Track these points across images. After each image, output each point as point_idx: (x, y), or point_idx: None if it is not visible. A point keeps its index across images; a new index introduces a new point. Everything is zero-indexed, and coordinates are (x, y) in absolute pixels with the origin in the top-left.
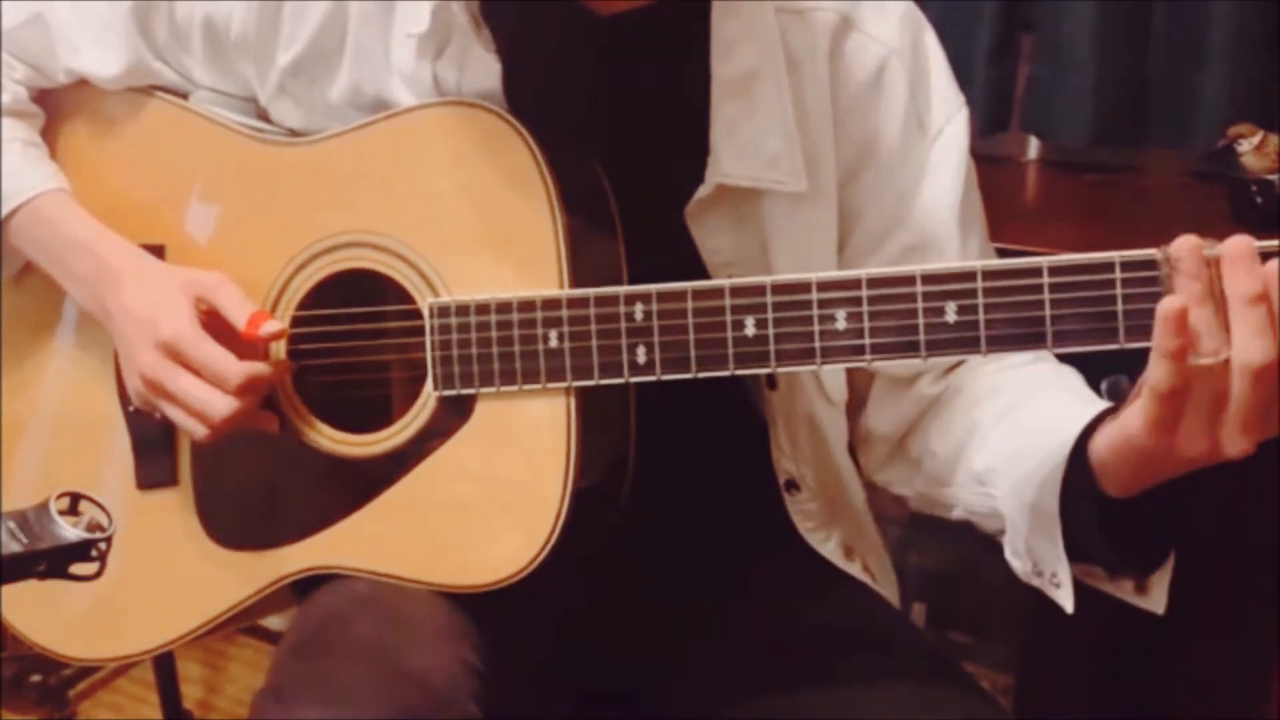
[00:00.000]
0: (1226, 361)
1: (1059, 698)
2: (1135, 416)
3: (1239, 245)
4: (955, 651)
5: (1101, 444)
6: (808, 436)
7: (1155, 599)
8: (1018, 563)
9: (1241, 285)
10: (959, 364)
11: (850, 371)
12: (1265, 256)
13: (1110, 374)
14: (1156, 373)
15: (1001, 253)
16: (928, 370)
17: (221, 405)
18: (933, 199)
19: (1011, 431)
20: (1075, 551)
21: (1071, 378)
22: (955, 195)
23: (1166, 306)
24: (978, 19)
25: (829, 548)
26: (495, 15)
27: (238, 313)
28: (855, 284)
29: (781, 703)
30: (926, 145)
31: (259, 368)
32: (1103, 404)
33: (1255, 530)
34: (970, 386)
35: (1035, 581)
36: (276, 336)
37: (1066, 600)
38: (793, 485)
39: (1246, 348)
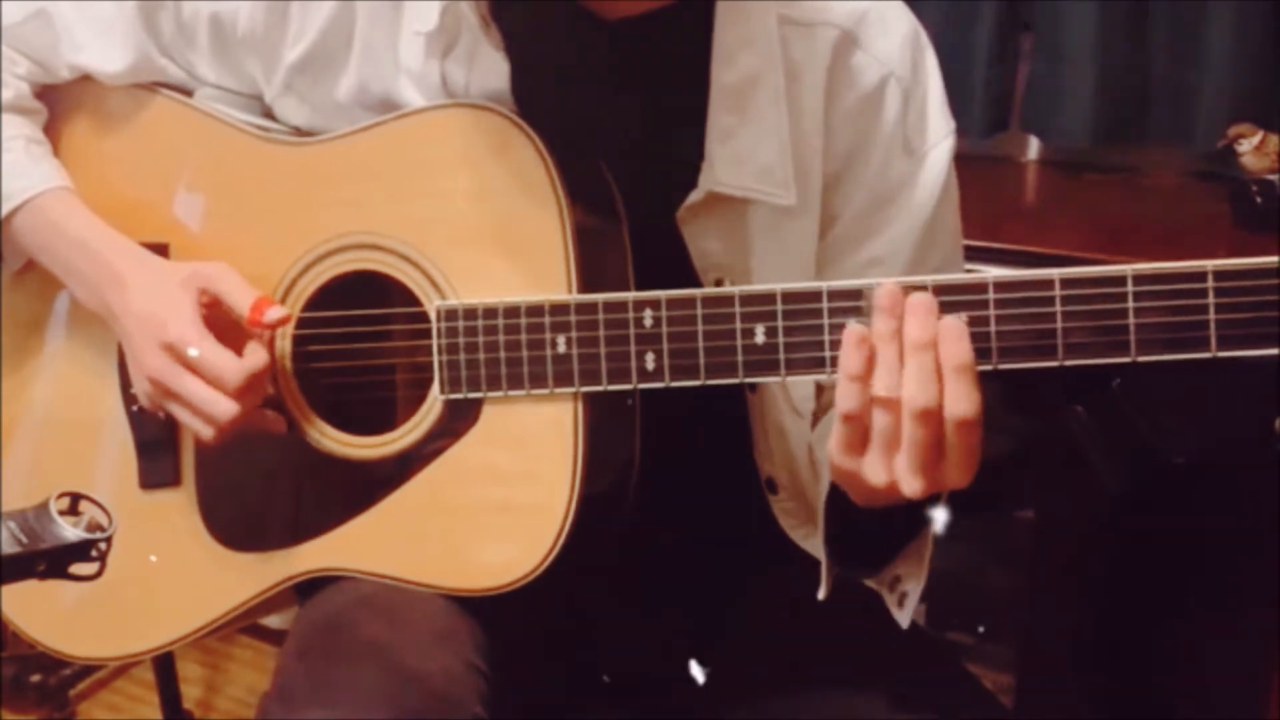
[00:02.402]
0: (899, 400)
1: (1059, 698)
2: (833, 435)
3: (921, 298)
4: (956, 651)
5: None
6: (778, 442)
7: (904, 614)
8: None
9: (916, 332)
10: None
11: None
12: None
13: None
14: (840, 393)
15: (1002, 253)
16: None
17: (224, 407)
18: (905, 217)
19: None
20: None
21: None
22: (923, 218)
23: (849, 330)
24: (978, 19)
25: (813, 544)
26: (504, 14)
27: (240, 299)
28: (867, 293)
29: (782, 703)
30: (910, 167)
31: (257, 365)
32: None
33: (1255, 531)
34: None
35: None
36: (282, 322)
37: (824, 586)
38: (772, 484)
39: (914, 389)
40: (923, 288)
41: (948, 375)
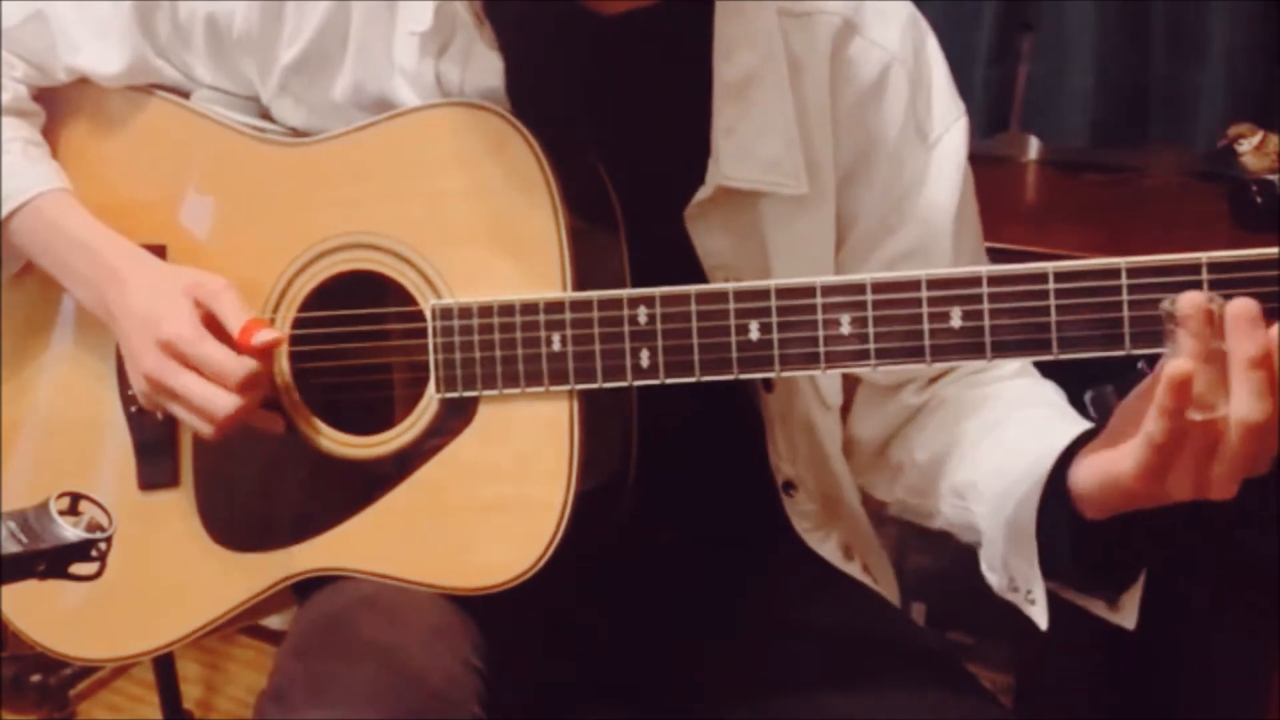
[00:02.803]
0: (1224, 418)
1: (1059, 698)
2: (1126, 460)
3: (1244, 307)
4: (956, 651)
5: (1085, 475)
6: (804, 439)
7: (1126, 616)
8: (994, 577)
9: (1244, 348)
10: (943, 374)
11: (845, 376)
12: (1269, 317)
13: (1095, 385)
14: (1154, 427)
15: (1002, 253)
16: (912, 380)
17: (225, 402)
18: (929, 206)
19: (993, 448)
20: (1048, 569)
21: (1051, 393)
22: (952, 203)
23: (1172, 371)
24: (978, 19)
25: (828, 548)
26: (498, 12)
27: (233, 320)
28: (860, 288)
29: (783, 703)
30: (925, 152)
31: (258, 363)
32: (1082, 422)
33: (1256, 531)
34: (955, 399)
35: (1010, 597)
36: (271, 345)
37: (1041, 617)
38: (790, 486)
39: (1246, 407)
40: (916, 283)
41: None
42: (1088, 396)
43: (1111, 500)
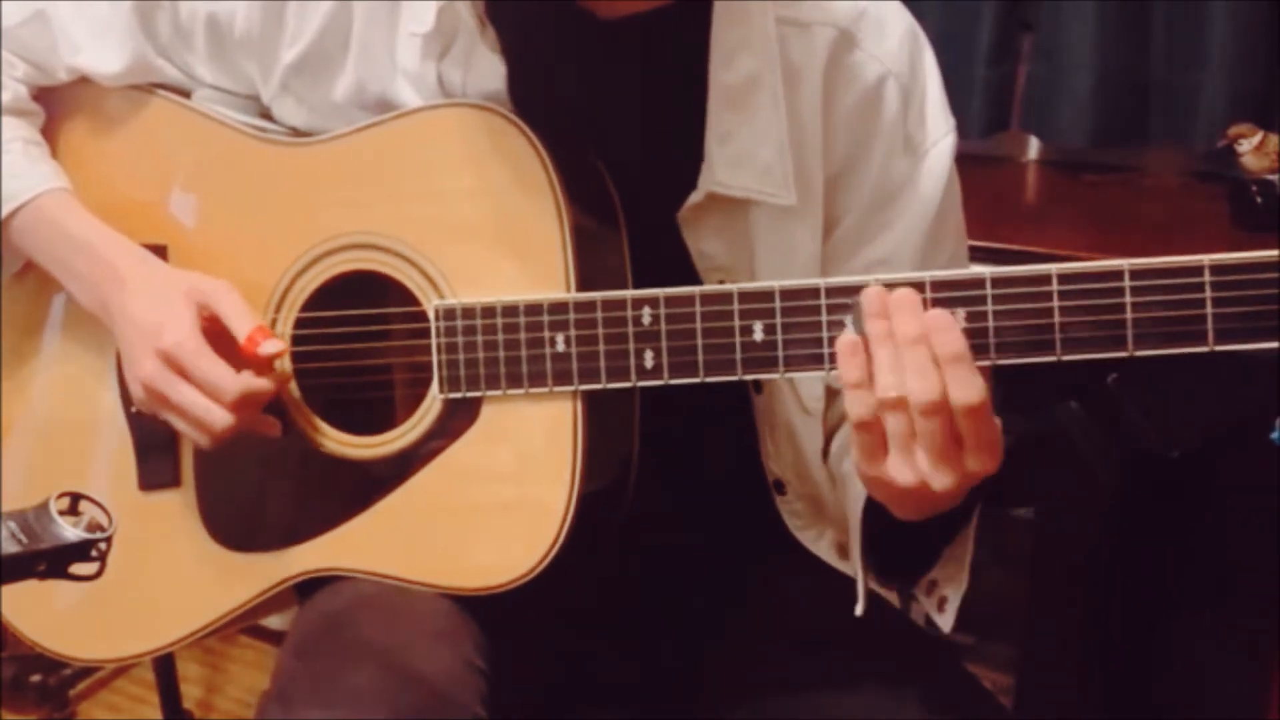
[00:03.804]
0: (905, 398)
1: (1059, 698)
2: (854, 448)
3: (903, 294)
4: (956, 651)
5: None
6: (787, 442)
7: (945, 619)
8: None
9: (904, 328)
10: None
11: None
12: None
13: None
14: (849, 403)
15: (1002, 253)
16: None
17: (220, 418)
18: (909, 216)
19: None
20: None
21: None
22: (927, 217)
23: (840, 341)
24: (978, 19)
25: (821, 546)
26: (500, 14)
27: (238, 325)
28: (855, 300)
29: (783, 702)
30: (911, 164)
31: (255, 384)
32: None
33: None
34: None
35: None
36: (276, 356)
37: (860, 601)
38: (780, 486)
39: (915, 384)
40: (920, 284)
41: (945, 365)
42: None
43: (880, 497)
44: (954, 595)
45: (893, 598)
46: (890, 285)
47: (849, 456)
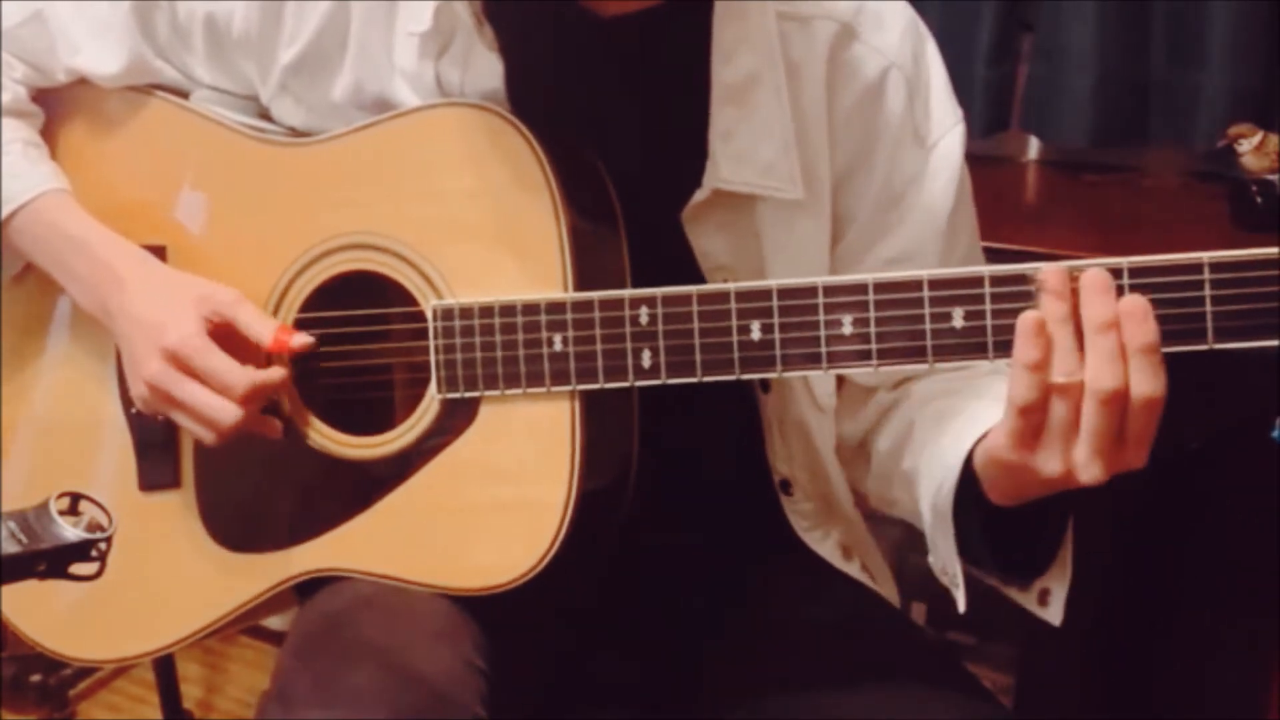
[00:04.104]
0: (1081, 384)
1: (1059, 698)
2: (1000, 431)
3: (1097, 275)
4: (956, 651)
5: (979, 453)
6: (799, 441)
7: (1053, 612)
8: (931, 559)
9: (1096, 313)
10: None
11: (840, 379)
12: (1122, 290)
13: None
14: (1016, 385)
15: (1002, 253)
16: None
17: (230, 412)
18: (923, 210)
19: (935, 434)
20: (968, 553)
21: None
22: (945, 208)
23: (1024, 318)
24: (978, 19)
25: (826, 547)
26: (498, 13)
27: (260, 329)
28: (862, 288)
29: (783, 702)
30: (922, 157)
31: (264, 376)
32: None
33: (1255, 532)
34: (917, 390)
35: (943, 580)
36: (308, 348)
37: (960, 598)
38: (787, 486)
39: (1098, 372)
40: (918, 284)
41: (1134, 355)
42: None
43: (997, 474)
44: (1059, 588)
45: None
46: (1074, 270)
47: (909, 452)
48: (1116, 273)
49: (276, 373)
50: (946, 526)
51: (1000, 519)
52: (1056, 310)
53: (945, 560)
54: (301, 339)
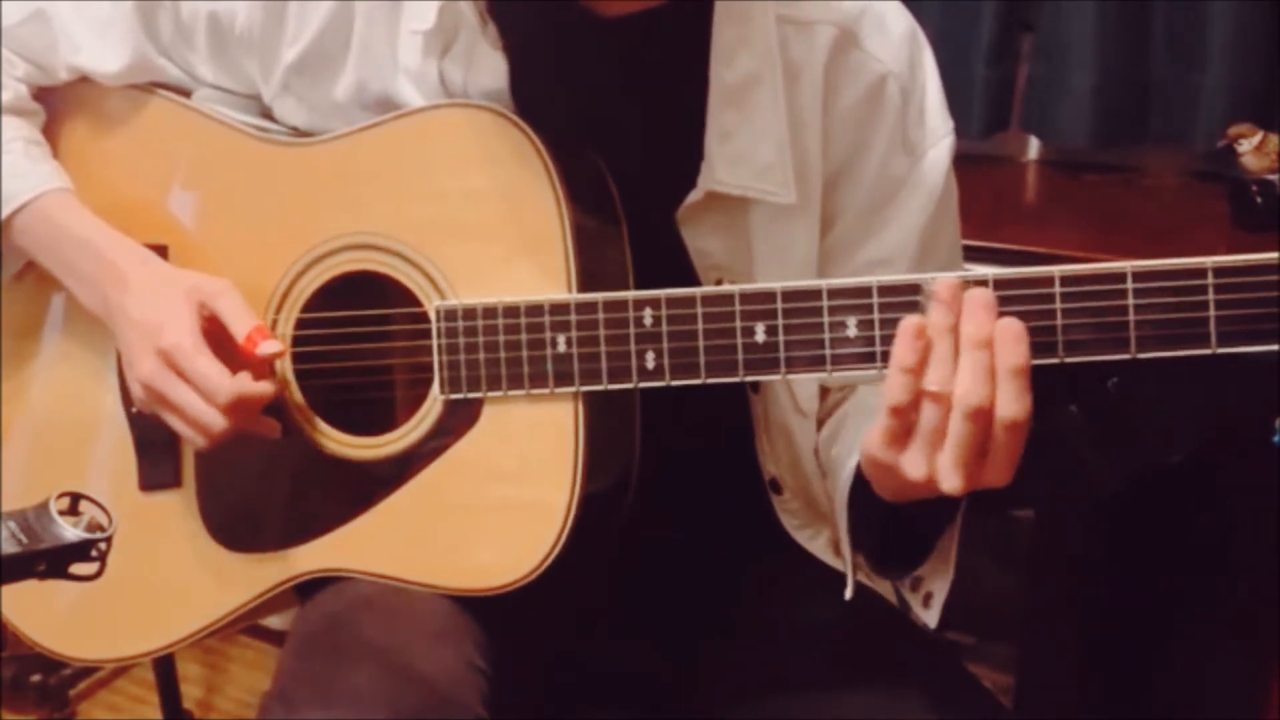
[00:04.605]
0: (950, 395)
1: (1059, 698)
2: (875, 428)
3: (980, 293)
4: (956, 651)
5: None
6: (783, 442)
7: (931, 615)
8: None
9: (972, 329)
10: None
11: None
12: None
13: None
14: (890, 385)
15: (1002, 253)
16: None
17: (213, 419)
18: (906, 217)
19: (854, 426)
20: (861, 544)
21: None
22: (924, 218)
23: (905, 322)
24: (978, 19)
25: (818, 545)
26: (501, 12)
27: (238, 325)
28: (866, 291)
29: (782, 703)
30: (909, 166)
31: (249, 387)
32: None
33: (1255, 529)
34: (861, 388)
35: (838, 567)
36: (274, 357)
37: (849, 584)
38: (777, 485)
39: (966, 387)
40: (917, 286)
41: (1001, 376)
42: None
43: (874, 475)
44: (939, 590)
45: (884, 588)
46: (966, 283)
47: (838, 442)
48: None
49: (265, 387)
50: (842, 513)
51: (883, 514)
52: (941, 320)
53: (841, 545)
54: (269, 346)
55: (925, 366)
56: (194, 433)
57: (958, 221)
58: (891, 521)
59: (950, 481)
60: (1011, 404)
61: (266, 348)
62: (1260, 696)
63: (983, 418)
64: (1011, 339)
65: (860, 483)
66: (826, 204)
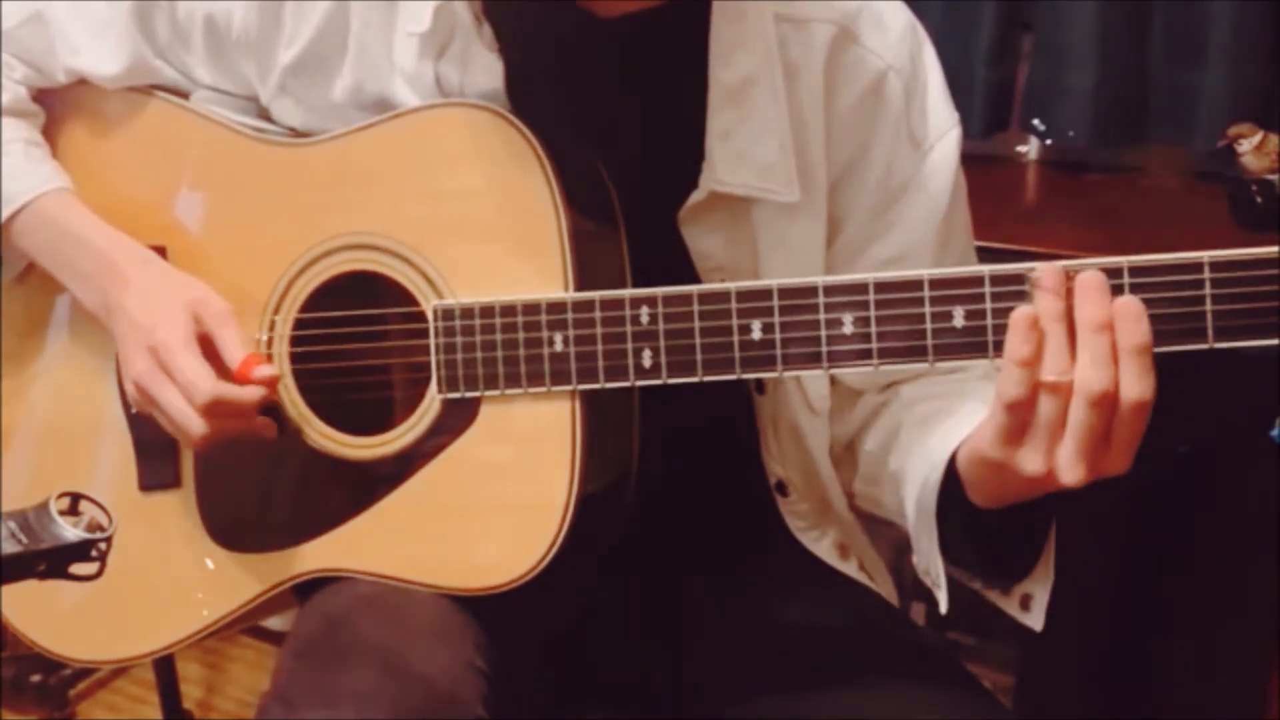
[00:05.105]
0: (1070, 384)
1: (1059, 698)
2: (987, 427)
3: (1093, 276)
4: (956, 651)
5: (962, 455)
6: (792, 442)
7: (1034, 618)
8: (915, 559)
9: (1090, 312)
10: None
11: (832, 380)
12: (1121, 290)
13: None
14: (1005, 381)
15: (1002, 253)
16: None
17: (192, 422)
18: (917, 213)
19: (921, 435)
20: (951, 555)
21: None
22: (940, 211)
23: (1017, 314)
24: (978, 19)
25: (823, 546)
26: (497, 14)
27: (232, 352)
28: (862, 288)
29: (782, 702)
30: (917, 160)
31: (230, 391)
32: None
33: (1255, 531)
34: (905, 393)
35: (925, 580)
36: (270, 381)
37: (942, 599)
38: (783, 487)
39: (1089, 373)
40: (919, 283)
41: (1124, 357)
42: None
43: (980, 478)
44: (1041, 593)
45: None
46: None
47: (895, 453)
48: (1116, 272)
49: (250, 391)
50: (930, 525)
51: (982, 521)
52: (1051, 308)
53: (928, 560)
54: (265, 371)
55: (1040, 358)
56: (179, 433)
57: (968, 214)
58: (989, 530)
59: (1072, 473)
60: (1137, 383)
61: (262, 371)
62: (1261, 696)
63: (1107, 403)
64: (1133, 317)
65: (947, 494)
66: (834, 204)
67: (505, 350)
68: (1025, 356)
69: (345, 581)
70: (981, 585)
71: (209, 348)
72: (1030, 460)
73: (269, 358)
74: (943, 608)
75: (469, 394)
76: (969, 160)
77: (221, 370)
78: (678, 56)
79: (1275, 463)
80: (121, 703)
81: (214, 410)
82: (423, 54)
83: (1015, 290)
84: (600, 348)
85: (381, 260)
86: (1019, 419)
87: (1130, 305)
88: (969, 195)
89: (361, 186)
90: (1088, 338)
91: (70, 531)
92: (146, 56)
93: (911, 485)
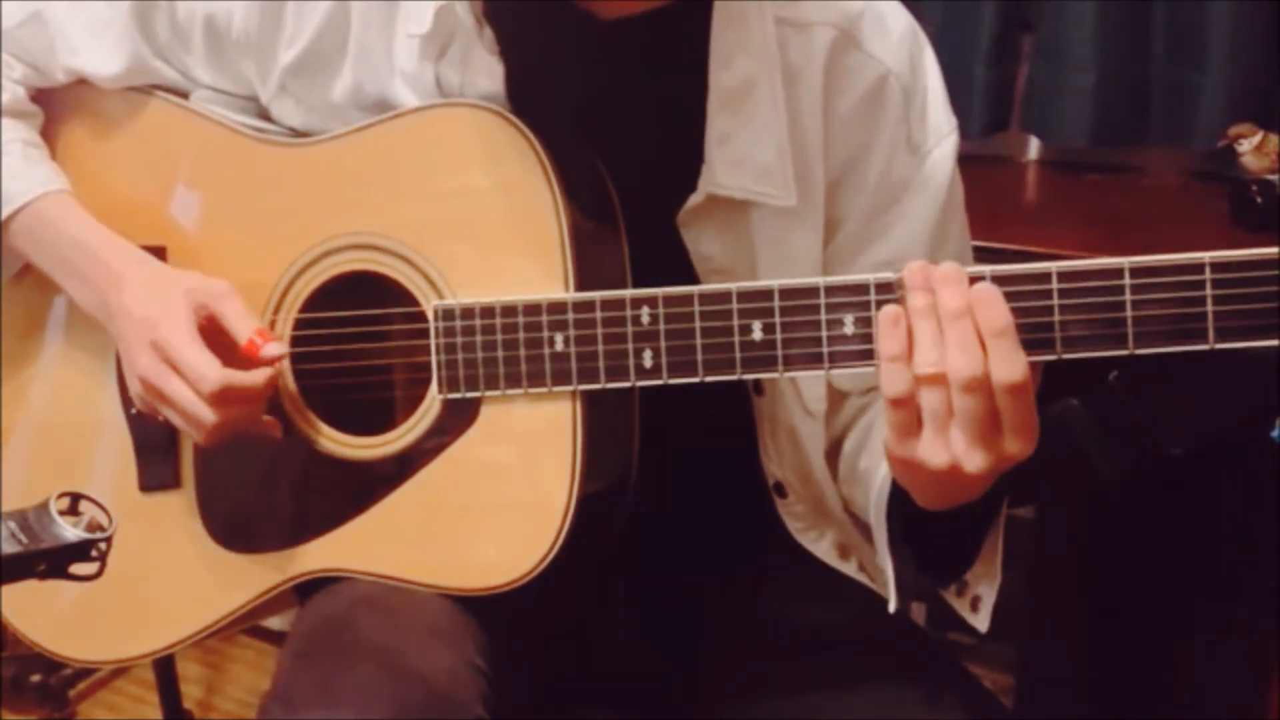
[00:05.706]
0: (945, 374)
1: (1059, 698)
2: (885, 425)
3: (948, 267)
4: (956, 651)
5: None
6: (789, 444)
7: (981, 619)
8: (878, 558)
9: (948, 301)
10: None
11: (829, 384)
12: (974, 281)
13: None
14: (884, 378)
15: (1002, 253)
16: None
17: (202, 412)
18: (912, 217)
19: (881, 432)
20: (902, 554)
21: None
22: (934, 215)
23: (882, 312)
24: (978, 19)
25: (822, 547)
26: (497, 15)
27: (240, 326)
28: (863, 289)
29: (782, 703)
30: (914, 165)
31: (238, 377)
32: None
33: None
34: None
35: (880, 579)
36: (277, 359)
37: (892, 596)
38: (781, 488)
39: (956, 360)
40: None
41: (989, 341)
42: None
43: (902, 477)
44: (988, 593)
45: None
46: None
47: (866, 453)
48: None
49: (256, 375)
50: (881, 524)
51: (917, 522)
52: (918, 303)
53: (881, 558)
54: (273, 349)
55: (913, 352)
56: (190, 427)
57: (965, 219)
58: (932, 529)
59: (972, 461)
60: (1005, 365)
61: (270, 350)
62: (1260, 696)
63: (982, 387)
64: (990, 303)
65: (899, 493)
66: (831, 207)
67: (506, 350)
68: (894, 352)
69: (345, 581)
70: (937, 586)
71: (212, 338)
72: (931, 453)
73: (273, 325)
74: (891, 606)
75: (469, 394)
76: (969, 160)
77: (226, 359)
78: (678, 59)
79: (1275, 463)
80: (121, 703)
81: (223, 398)
82: (423, 55)
83: (1018, 290)
84: (601, 348)
85: (382, 260)
86: (908, 414)
87: (986, 291)
88: (969, 195)
89: (362, 186)
90: (949, 326)
91: (70, 531)
92: (146, 56)
93: (872, 485)
